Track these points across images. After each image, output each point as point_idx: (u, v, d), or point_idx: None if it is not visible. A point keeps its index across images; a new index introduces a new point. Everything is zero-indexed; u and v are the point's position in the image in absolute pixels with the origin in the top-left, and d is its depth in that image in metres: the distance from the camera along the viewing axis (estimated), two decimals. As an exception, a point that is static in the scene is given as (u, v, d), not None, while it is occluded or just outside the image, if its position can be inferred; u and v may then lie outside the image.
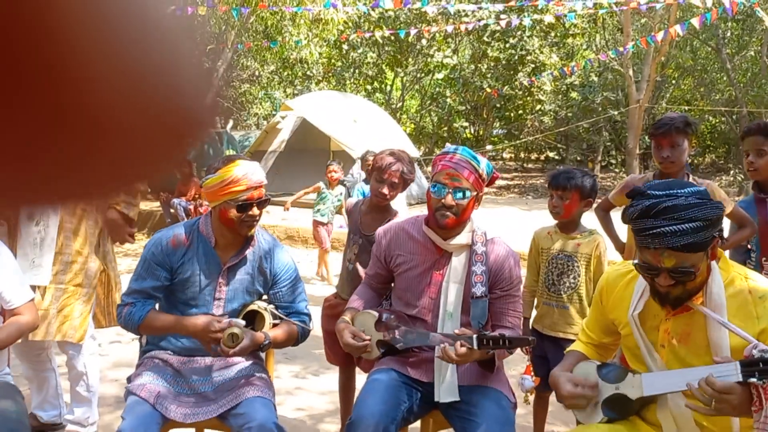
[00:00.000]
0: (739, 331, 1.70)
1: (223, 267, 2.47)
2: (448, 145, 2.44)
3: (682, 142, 2.96)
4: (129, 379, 2.46)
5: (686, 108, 19.58)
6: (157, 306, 2.49)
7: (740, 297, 1.79)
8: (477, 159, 2.37)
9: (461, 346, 2.14)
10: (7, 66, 0.26)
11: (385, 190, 2.90)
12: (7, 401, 2.21)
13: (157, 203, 10.86)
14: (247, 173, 2.35)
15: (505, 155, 25.93)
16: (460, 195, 2.32)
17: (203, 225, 2.48)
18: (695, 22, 8.46)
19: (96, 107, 0.28)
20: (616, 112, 16.75)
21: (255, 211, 2.40)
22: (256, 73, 21.74)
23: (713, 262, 1.80)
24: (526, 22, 11.70)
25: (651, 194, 1.73)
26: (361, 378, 3.12)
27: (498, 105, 18.05)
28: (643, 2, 8.57)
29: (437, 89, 19.26)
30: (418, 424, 2.54)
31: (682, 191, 1.71)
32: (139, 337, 2.67)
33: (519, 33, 15.74)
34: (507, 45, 16.28)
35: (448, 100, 17.74)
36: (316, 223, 7.15)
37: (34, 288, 2.75)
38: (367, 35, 15.42)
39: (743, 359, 1.64)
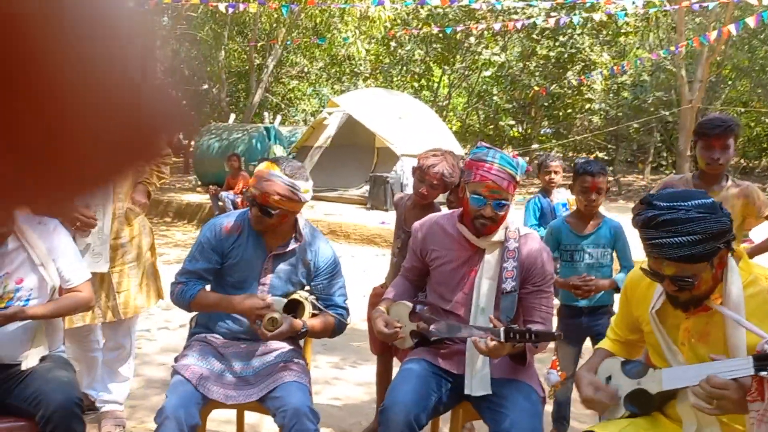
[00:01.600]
0: (755, 329, 1.73)
1: (268, 254, 2.60)
2: (481, 144, 2.46)
3: (732, 144, 2.93)
4: (176, 359, 2.60)
5: (742, 110, 19.01)
6: (207, 287, 2.64)
7: (760, 297, 1.82)
8: (514, 166, 2.37)
9: (491, 340, 2.20)
10: None
11: (425, 191, 2.97)
12: (61, 371, 2.39)
13: (206, 196, 11.15)
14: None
15: (551, 154, 25.62)
16: (500, 206, 2.36)
17: None
18: (750, 21, 8.24)
19: (57, 114, 0.28)
20: (667, 113, 16.39)
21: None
22: (305, 69, 22.01)
23: (732, 262, 1.82)
24: (576, 20, 11.56)
25: (655, 205, 1.79)
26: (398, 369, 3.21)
27: (546, 103, 17.85)
28: (694, 1, 8.39)
29: (484, 87, 19.16)
30: (447, 413, 2.61)
31: (685, 204, 1.75)
32: (189, 321, 2.83)
33: (569, 31, 15.54)
34: (557, 43, 16.08)
35: (495, 98, 17.63)
36: None
37: (94, 275, 2.93)
38: (415, 32, 15.46)
39: (756, 353, 1.67)
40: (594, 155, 23.76)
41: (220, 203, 10.13)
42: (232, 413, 3.18)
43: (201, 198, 11.84)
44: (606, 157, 21.57)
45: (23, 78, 0.27)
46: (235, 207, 9.90)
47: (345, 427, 3.46)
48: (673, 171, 16.50)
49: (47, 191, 0.30)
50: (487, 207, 2.35)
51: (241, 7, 9.28)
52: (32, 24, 0.26)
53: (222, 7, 8.95)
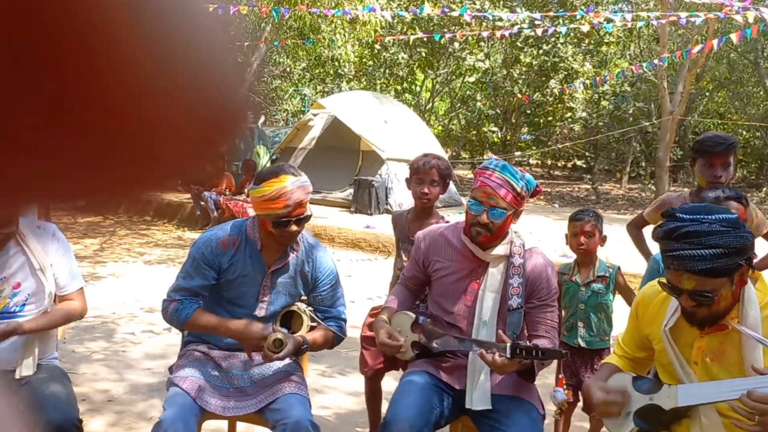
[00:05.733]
0: None
1: (267, 271, 2.52)
2: (491, 157, 2.45)
3: (732, 162, 2.92)
4: (171, 370, 2.53)
5: (719, 121, 19.35)
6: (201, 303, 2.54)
7: None
8: (516, 177, 2.36)
9: (500, 356, 2.19)
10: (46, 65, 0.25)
11: (426, 189, 3.01)
12: (57, 385, 2.30)
13: (187, 195, 11.02)
14: (288, 192, 2.34)
15: (531, 161, 25.80)
16: (495, 214, 2.35)
17: (250, 228, 2.52)
18: (734, 37, 8.37)
19: (134, 105, 0.28)
20: (647, 123, 16.59)
21: (293, 228, 2.41)
22: (287, 69, 21.89)
23: (749, 283, 1.83)
24: (564, 30, 11.64)
25: (678, 217, 1.78)
26: (386, 385, 3.19)
27: (528, 111, 17.98)
28: (682, 16, 8.50)
29: (467, 92, 19.22)
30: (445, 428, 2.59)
31: (709, 217, 1.75)
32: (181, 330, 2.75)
33: (553, 39, 15.66)
34: (540, 51, 16.20)
35: (479, 104, 17.70)
36: None
37: None
38: (401, 37, 15.46)
39: None
40: (572, 163, 24.01)
41: (202, 203, 10.02)
42: (224, 422, 3.12)
43: (181, 197, 11.69)
44: (584, 165, 21.81)
45: (108, 76, 0.26)
46: (218, 207, 9.80)
47: (337, 437, 3.42)
48: (651, 181, 16.70)
49: (135, 180, 0.30)
50: (483, 214, 2.35)
51: (231, 10, 9.18)
52: (111, 18, 0.25)
53: (211, 8, 8.80)
